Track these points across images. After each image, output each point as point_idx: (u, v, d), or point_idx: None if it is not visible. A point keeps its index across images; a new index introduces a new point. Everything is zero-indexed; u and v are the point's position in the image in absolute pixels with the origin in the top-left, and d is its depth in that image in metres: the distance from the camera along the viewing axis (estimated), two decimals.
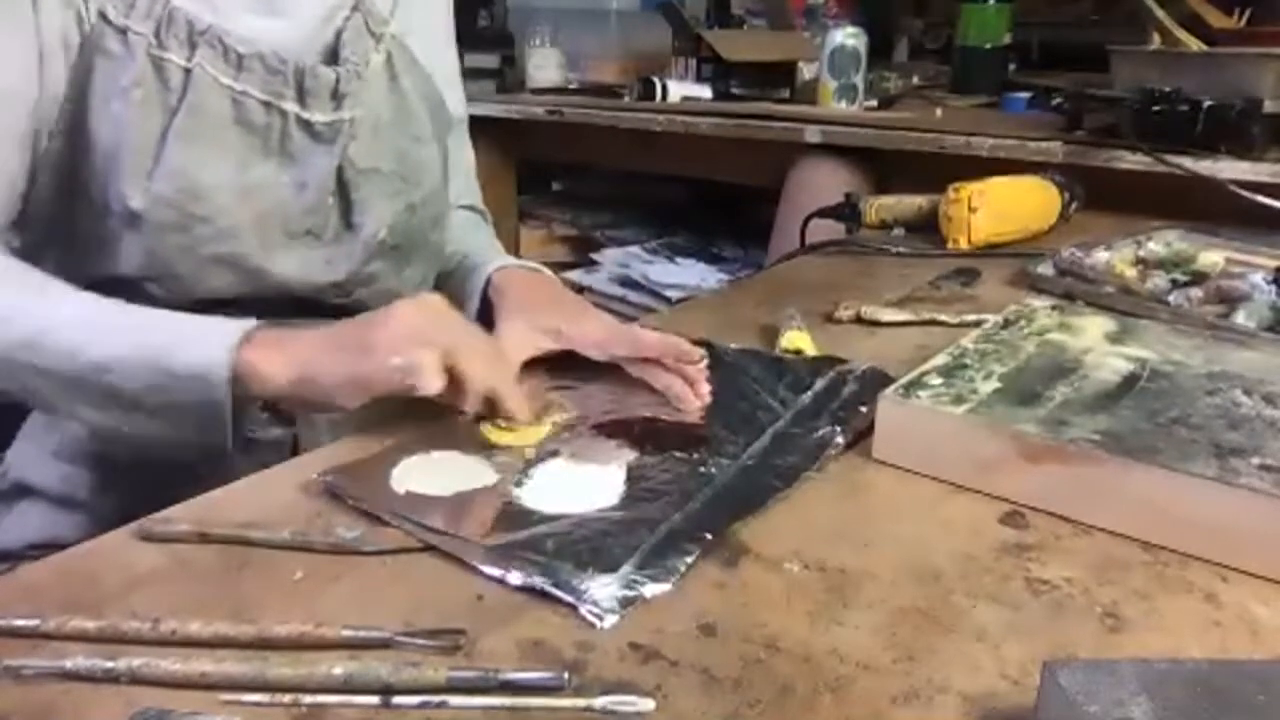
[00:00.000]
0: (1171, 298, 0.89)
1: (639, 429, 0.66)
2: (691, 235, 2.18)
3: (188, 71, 0.71)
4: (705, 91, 1.89)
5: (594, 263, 2.08)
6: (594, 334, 0.75)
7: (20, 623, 0.46)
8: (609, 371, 0.74)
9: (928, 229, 1.16)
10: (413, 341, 0.63)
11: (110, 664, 0.43)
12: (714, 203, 2.21)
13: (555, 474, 0.61)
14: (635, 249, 2.12)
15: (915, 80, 2.02)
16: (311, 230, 0.77)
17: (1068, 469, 0.56)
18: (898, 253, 1.12)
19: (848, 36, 1.69)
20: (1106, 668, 0.37)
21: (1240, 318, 0.82)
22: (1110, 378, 0.67)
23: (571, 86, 2.11)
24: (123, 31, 0.70)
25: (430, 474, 0.60)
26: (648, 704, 0.41)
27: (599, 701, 0.41)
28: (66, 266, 0.70)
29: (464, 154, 0.98)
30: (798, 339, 0.80)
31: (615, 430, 0.66)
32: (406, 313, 0.66)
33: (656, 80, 1.87)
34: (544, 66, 2.10)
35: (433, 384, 0.61)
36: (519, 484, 0.59)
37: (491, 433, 0.65)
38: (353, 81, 0.78)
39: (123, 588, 0.50)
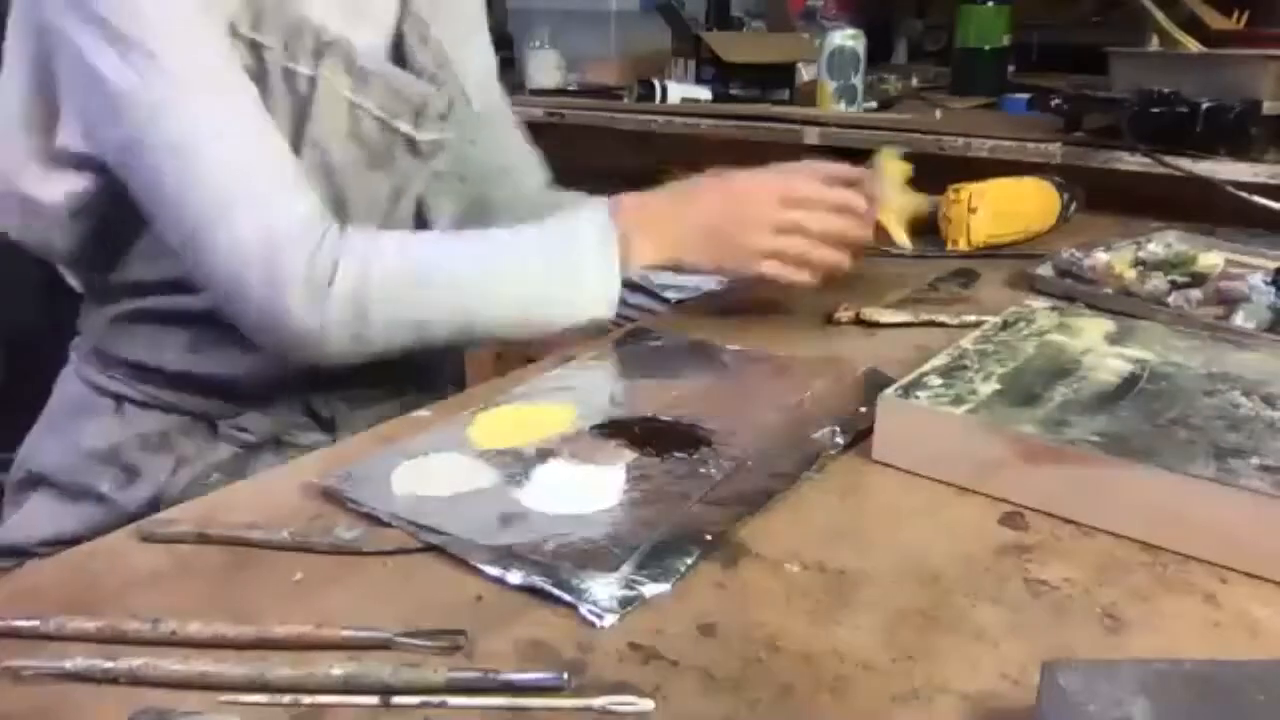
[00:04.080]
0: (1171, 299, 0.89)
1: (638, 429, 0.66)
2: None
3: (313, 80, 0.73)
4: (705, 93, 1.89)
5: None
6: None
7: (20, 623, 0.46)
8: (609, 373, 0.74)
9: (927, 230, 1.15)
10: (770, 233, 0.77)
11: (110, 664, 0.43)
12: None
13: (554, 475, 0.61)
14: None
15: (914, 82, 2.02)
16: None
17: (1067, 470, 0.56)
18: (897, 254, 1.11)
19: (847, 38, 1.69)
20: (1106, 668, 0.37)
21: (1239, 319, 0.82)
22: (1110, 379, 0.67)
23: (571, 88, 2.11)
24: (253, 44, 0.71)
25: (430, 476, 0.60)
26: (647, 704, 0.41)
27: (598, 702, 0.41)
28: (153, 261, 0.73)
29: (519, 141, 1.01)
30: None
31: (614, 431, 0.66)
32: (757, 195, 0.79)
33: (656, 82, 1.87)
34: (543, 68, 2.09)
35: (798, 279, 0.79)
36: (518, 485, 0.59)
37: (480, 437, 0.64)
38: (459, 101, 0.80)
39: (123, 588, 0.50)
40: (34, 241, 0.79)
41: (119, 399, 0.82)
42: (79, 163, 0.73)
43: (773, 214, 0.78)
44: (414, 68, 0.82)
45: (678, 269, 0.78)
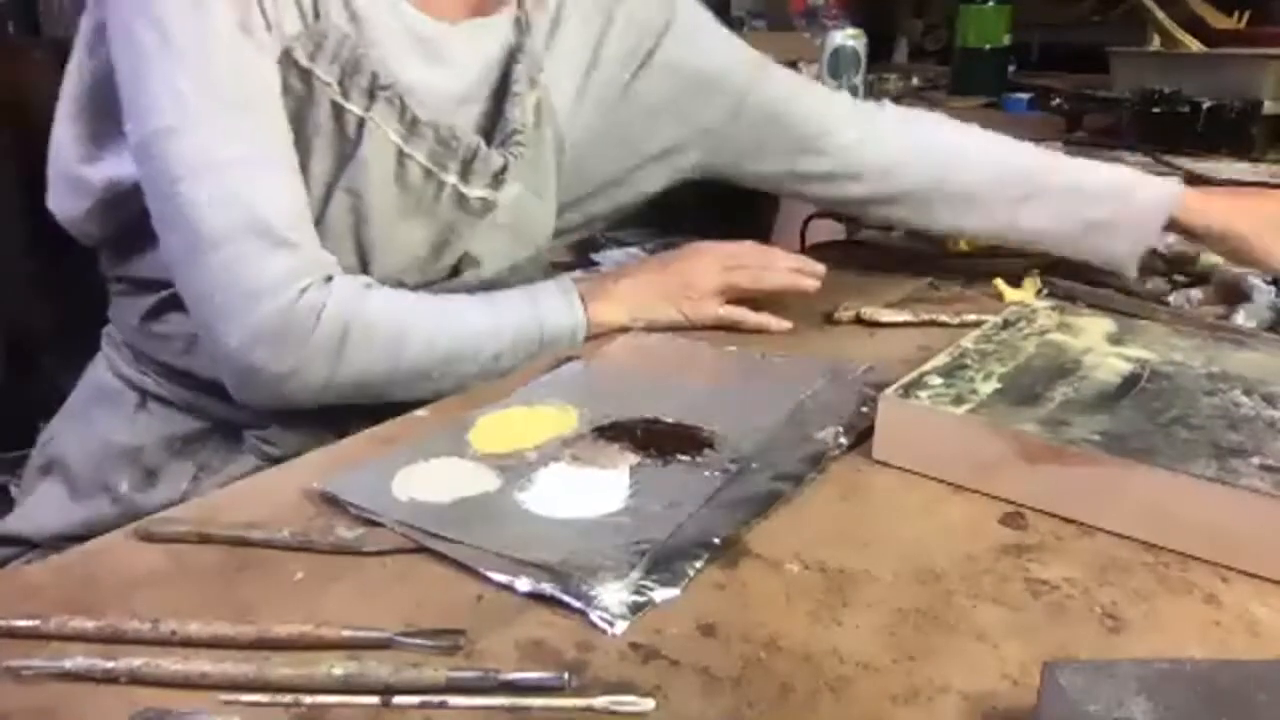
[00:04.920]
0: (1171, 298, 0.89)
1: (640, 432, 0.66)
2: (691, 236, 2.18)
3: (362, 122, 0.72)
4: None
5: (594, 264, 2.09)
6: None
7: (20, 623, 0.46)
8: (609, 375, 0.74)
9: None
10: (718, 282, 0.86)
11: (110, 664, 0.43)
12: (714, 203, 2.20)
13: (558, 479, 0.60)
14: (635, 250, 2.13)
15: (915, 81, 2.02)
16: (431, 280, 0.80)
17: (1068, 469, 0.56)
18: (898, 254, 1.12)
19: (848, 38, 1.70)
20: (1106, 668, 0.37)
21: (1240, 318, 0.83)
22: (1110, 378, 0.67)
23: None
24: (306, 73, 0.70)
25: (432, 481, 0.59)
26: (648, 704, 0.41)
27: (599, 701, 0.41)
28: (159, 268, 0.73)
29: (798, 88, 1.05)
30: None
31: (616, 434, 0.66)
32: (705, 255, 0.90)
33: None
34: None
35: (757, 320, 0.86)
36: (522, 489, 0.58)
37: (481, 441, 0.64)
38: (518, 164, 0.80)
39: (123, 588, 0.50)
40: (75, 223, 0.80)
41: (145, 394, 0.82)
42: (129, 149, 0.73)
43: (718, 269, 0.88)
44: (506, 118, 0.81)
45: (644, 324, 0.83)
